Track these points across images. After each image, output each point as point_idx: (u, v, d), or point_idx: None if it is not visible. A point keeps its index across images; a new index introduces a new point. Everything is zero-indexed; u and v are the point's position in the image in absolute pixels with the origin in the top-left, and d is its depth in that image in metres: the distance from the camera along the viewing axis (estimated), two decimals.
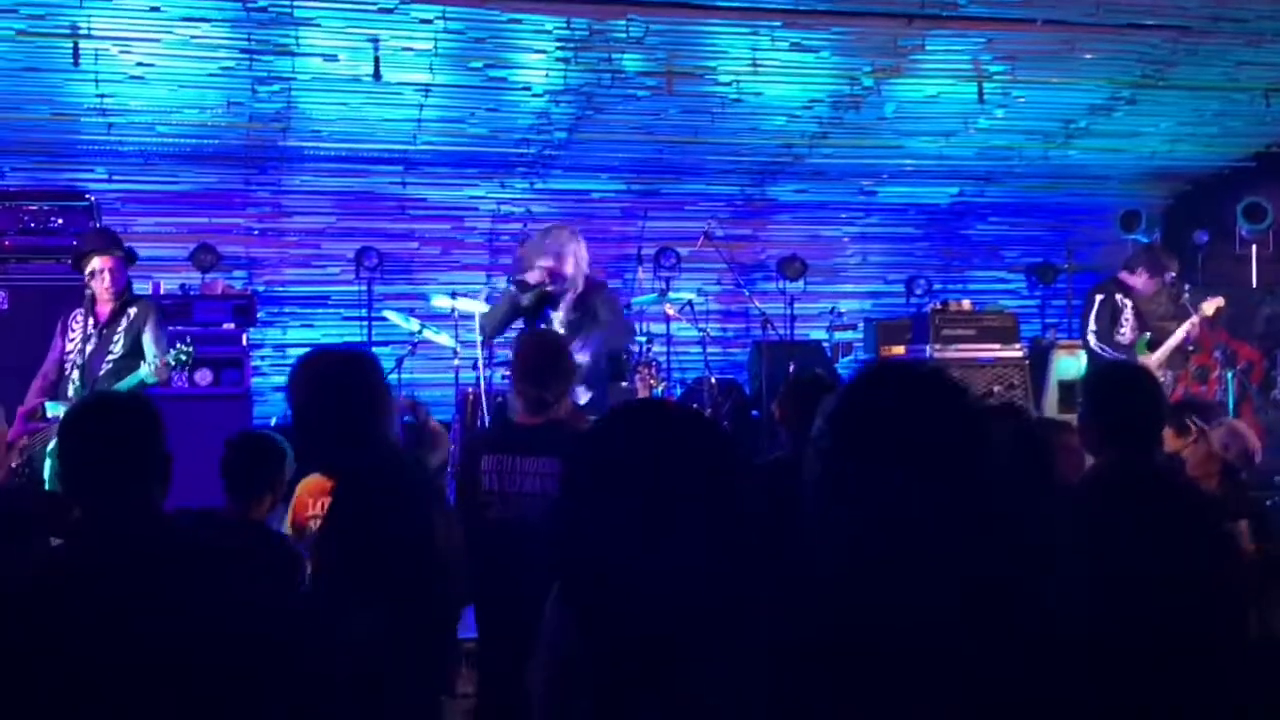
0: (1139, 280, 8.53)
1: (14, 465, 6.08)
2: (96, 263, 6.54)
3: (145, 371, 6.34)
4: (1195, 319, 8.59)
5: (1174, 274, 8.74)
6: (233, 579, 2.78)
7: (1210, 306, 8.71)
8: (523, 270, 6.76)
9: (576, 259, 6.68)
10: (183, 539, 2.88)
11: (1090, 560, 3.06)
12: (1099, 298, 8.54)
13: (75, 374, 6.45)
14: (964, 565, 1.87)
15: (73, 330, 6.60)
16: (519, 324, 6.92)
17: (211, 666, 2.67)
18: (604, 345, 6.72)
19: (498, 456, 4.45)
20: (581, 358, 6.19)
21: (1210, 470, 5.06)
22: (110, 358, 6.52)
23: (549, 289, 6.62)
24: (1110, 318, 8.49)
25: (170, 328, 7.06)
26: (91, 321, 6.49)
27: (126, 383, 6.31)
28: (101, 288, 6.51)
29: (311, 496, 4.73)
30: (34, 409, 6.36)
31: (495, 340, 7.58)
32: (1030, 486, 2.90)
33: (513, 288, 6.66)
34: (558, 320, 6.68)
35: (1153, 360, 8.24)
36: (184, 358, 6.40)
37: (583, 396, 6.32)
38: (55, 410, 6.28)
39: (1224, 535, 3.68)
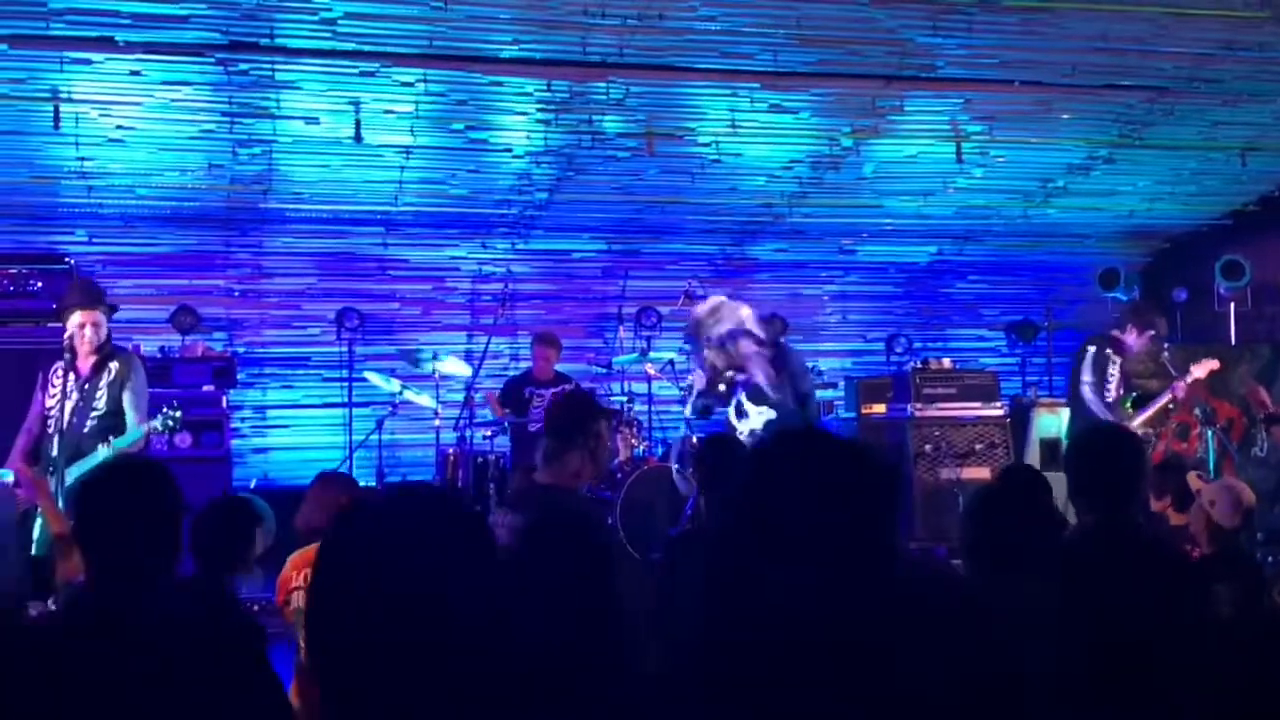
0: (1130, 337, 8.35)
1: None
2: (78, 317, 6.48)
3: (124, 445, 6.29)
4: (1183, 382, 8.41)
5: (1162, 331, 8.49)
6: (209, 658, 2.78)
7: (1203, 369, 8.49)
8: (697, 336, 7.30)
9: (750, 321, 7.18)
10: (175, 613, 2.86)
11: (1066, 621, 3.10)
12: (1091, 349, 8.32)
13: (57, 433, 6.37)
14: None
15: (53, 386, 6.53)
16: None
17: None
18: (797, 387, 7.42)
19: None
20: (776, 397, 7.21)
21: (1200, 528, 5.02)
22: (95, 414, 6.45)
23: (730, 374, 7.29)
24: (1101, 372, 8.33)
25: (150, 390, 7.00)
26: (72, 377, 6.43)
27: (106, 454, 6.22)
28: (83, 342, 6.45)
29: (296, 569, 4.69)
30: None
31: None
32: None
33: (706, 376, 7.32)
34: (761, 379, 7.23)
35: (1136, 422, 8.09)
36: (171, 423, 6.37)
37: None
38: None
39: (1199, 595, 3.70)
